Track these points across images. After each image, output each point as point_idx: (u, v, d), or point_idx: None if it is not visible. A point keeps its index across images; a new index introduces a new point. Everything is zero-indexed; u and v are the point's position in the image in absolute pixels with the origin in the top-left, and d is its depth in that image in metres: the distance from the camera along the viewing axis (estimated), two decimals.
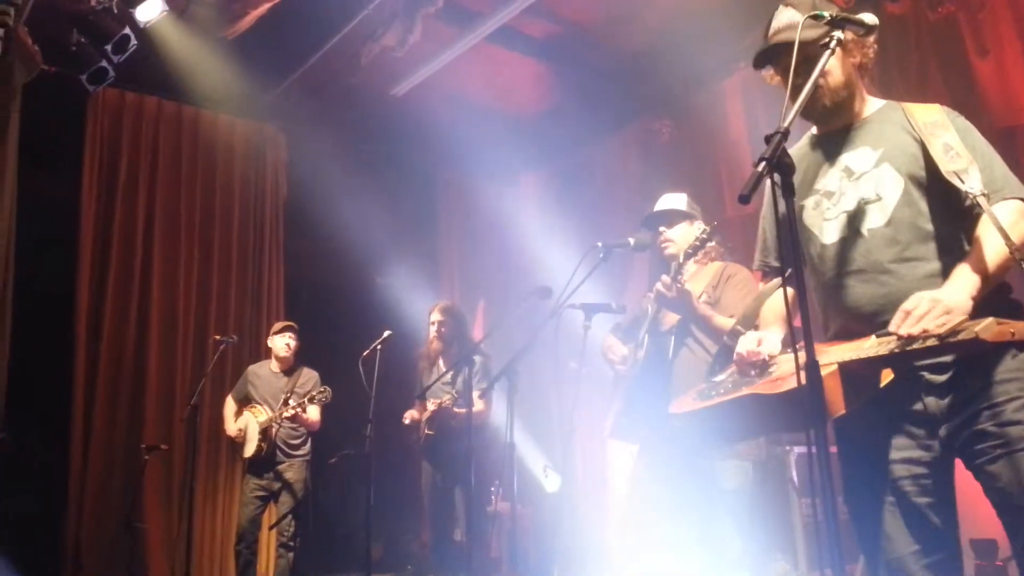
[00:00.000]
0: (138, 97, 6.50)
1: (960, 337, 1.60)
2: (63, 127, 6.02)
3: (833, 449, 1.76)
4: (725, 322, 3.04)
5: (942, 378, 1.82)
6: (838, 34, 1.83)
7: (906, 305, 1.70)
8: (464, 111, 6.56)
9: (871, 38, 2.00)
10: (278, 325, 5.64)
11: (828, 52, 1.81)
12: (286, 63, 6.24)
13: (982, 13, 4.61)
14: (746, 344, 1.96)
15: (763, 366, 1.92)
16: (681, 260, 3.14)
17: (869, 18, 1.91)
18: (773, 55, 2.04)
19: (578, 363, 3.50)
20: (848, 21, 1.87)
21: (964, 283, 1.74)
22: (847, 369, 1.73)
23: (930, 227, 1.89)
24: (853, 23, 1.89)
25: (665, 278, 3.08)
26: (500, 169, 7.25)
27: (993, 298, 1.77)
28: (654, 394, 3.15)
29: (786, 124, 1.67)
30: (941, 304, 1.66)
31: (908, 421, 1.86)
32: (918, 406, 1.84)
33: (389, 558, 6.70)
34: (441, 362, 5.13)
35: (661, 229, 3.39)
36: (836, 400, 1.70)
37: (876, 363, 1.74)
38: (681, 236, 3.34)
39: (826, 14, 1.86)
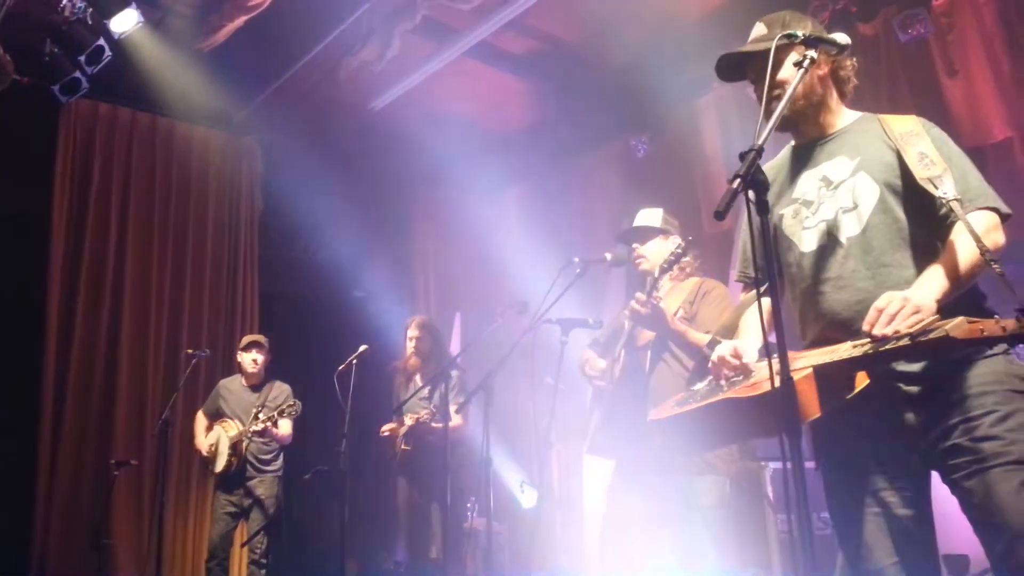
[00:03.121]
0: (112, 108, 6.44)
1: (932, 336, 1.61)
2: (35, 138, 5.95)
3: (809, 464, 1.77)
4: (700, 337, 3.05)
5: (919, 389, 1.83)
6: (811, 53, 1.85)
7: (878, 303, 1.72)
8: (442, 126, 6.57)
9: (845, 54, 2.03)
10: (245, 340, 5.54)
11: (802, 71, 1.84)
12: (263, 76, 6.22)
13: (951, 34, 4.70)
14: (721, 352, 1.97)
15: (740, 373, 1.94)
16: (656, 276, 3.15)
17: (841, 38, 1.94)
18: (734, 66, 2.10)
19: (555, 378, 3.50)
20: (821, 41, 1.91)
21: (932, 284, 1.77)
22: (822, 372, 1.74)
23: (906, 234, 1.91)
24: (826, 43, 1.92)
25: (640, 295, 3.09)
26: (477, 184, 7.26)
27: (966, 303, 1.79)
28: (631, 409, 3.16)
29: (760, 142, 1.69)
30: (911, 303, 1.68)
31: (887, 433, 1.87)
32: (896, 418, 1.85)
33: (364, 575, 6.63)
34: (418, 377, 5.11)
35: (635, 245, 3.41)
36: (811, 403, 1.70)
37: (851, 366, 1.76)
38: (654, 252, 3.36)
39: (799, 34, 1.89)
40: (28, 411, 5.68)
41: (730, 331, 2.19)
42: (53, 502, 5.63)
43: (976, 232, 1.73)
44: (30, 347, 5.77)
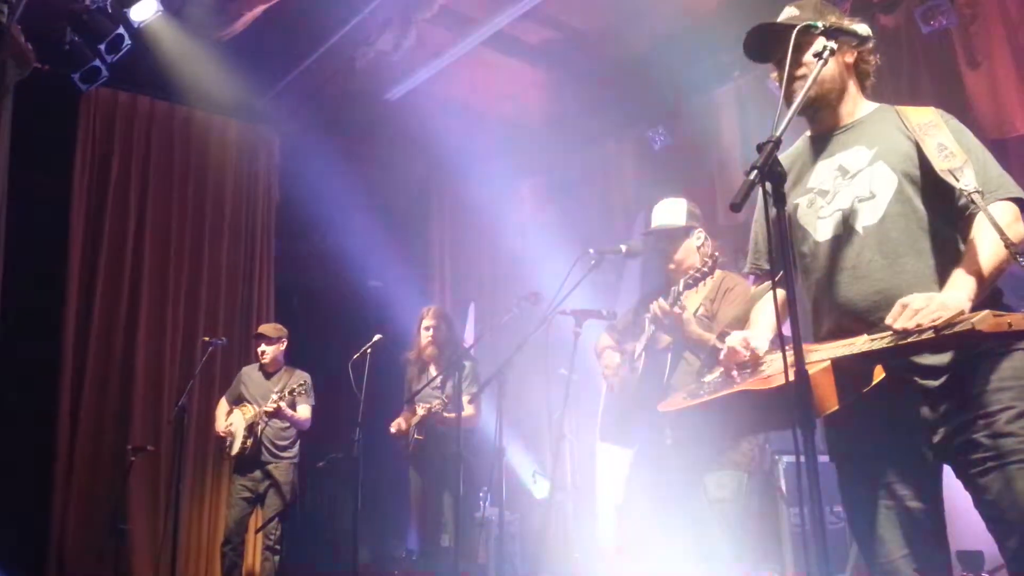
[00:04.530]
0: (131, 97, 6.47)
1: (957, 329, 1.59)
2: (55, 126, 5.99)
3: (822, 458, 1.76)
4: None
5: (936, 383, 1.82)
6: (831, 44, 1.84)
7: (903, 299, 1.71)
8: (458, 116, 6.56)
9: (868, 45, 2.02)
10: (256, 331, 5.66)
11: (821, 63, 1.83)
12: (281, 65, 6.23)
13: (974, 26, 4.63)
14: (731, 343, 1.96)
15: (751, 364, 1.92)
16: (680, 289, 3.11)
17: (862, 29, 1.93)
18: (760, 47, 2.07)
19: (568, 369, 3.50)
20: (841, 32, 1.89)
21: (962, 285, 1.75)
22: (840, 365, 1.72)
23: (924, 225, 1.90)
24: (846, 34, 1.91)
25: (663, 304, 3.07)
26: (493, 174, 7.25)
27: (987, 303, 1.77)
28: (650, 406, 3.14)
29: (778, 133, 1.67)
30: (937, 300, 1.67)
31: (902, 426, 1.86)
32: (911, 412, 1.84)
33: (376, 563, 6.67)
34: (431, 367, 5.12)
35: (670, 259, 3.35)
36: (828, 396, 1.69)
37: (870, 358, 1.74)
38: (684, 255, 3.33)
39: (819, 24, 1.88)
40: (47, 397, 5.74)
41: (742, 324, 2.18)
42: (71, 487, 5.70)
43: (999, 225, 1.72)
44: (49, 334, 5.83)
